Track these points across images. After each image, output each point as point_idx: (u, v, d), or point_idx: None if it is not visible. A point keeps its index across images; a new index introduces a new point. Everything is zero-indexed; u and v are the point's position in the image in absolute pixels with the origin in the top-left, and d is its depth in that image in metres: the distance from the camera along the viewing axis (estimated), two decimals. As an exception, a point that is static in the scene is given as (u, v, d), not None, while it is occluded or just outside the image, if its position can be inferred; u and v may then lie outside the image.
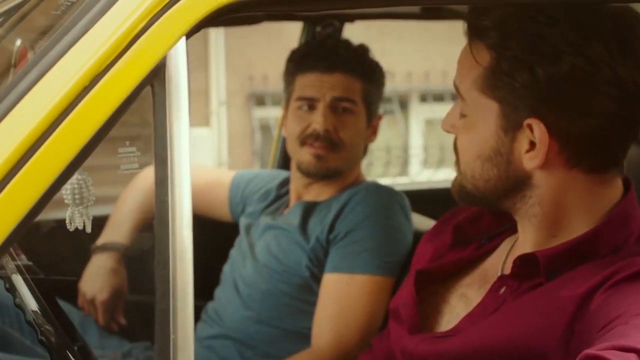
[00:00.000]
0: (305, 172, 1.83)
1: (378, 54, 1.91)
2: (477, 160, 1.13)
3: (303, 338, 1.74)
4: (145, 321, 2.09)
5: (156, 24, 0.89)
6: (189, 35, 0.90)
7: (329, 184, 1.85)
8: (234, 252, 1.93)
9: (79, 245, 2.02)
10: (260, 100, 7.05)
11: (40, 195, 0.88)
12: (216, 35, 6.57)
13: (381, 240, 1.73)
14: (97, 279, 1.85)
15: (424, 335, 1.20)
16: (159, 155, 0.89)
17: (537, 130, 1.08)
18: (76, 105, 0.88)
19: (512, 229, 1.21)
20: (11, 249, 1.13)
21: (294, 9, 1.85)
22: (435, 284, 1.27)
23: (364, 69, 1.82)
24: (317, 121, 1.78)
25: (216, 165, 6.17)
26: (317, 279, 1.76)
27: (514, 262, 1.14)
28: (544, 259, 1.10)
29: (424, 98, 7.00)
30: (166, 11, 0.89)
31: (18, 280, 1.06)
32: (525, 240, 1.16)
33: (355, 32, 2.03)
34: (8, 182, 0.86)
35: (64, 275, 1.99)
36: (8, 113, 0.88)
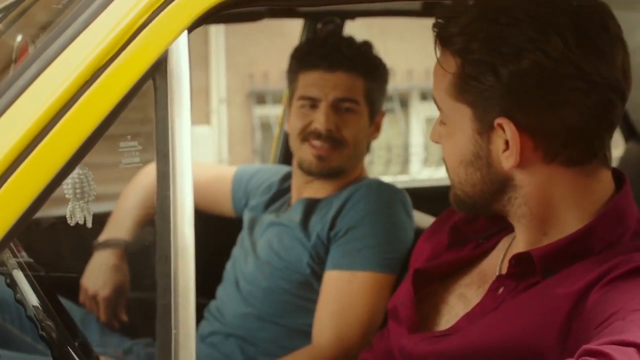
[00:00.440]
0: (307, 171, 1.83)
1: (379, 52, 1.91)
2: (461, 165, 1.15)
3: (304, 335, 1.74)
4: (146, 318, 2.09)
5: (158, 17, 0.89)
6: (190, 29, 0.90)
7: (331, 181, 1.84)
8: (236, 250, 1.93)
9: (79, 243, 2.02)
10: (260, 99, 7.05)
11: (42, 189, 0.88)
12: (216, 33, 6.57)
13: (382, 237, 1.73)
14: (99, 275, 1.85)
15: (423, 335, 1.20)
16: (161, 149, 0.89)
17: (508, 129, 1.09)
18: (78, 99, 0.88)
19: (509, 228, 1.21)
20: (12, 245, 1.13)
21: (295, 4, 1.85)
22: (434, 283, 1.27)
23: (367, 67, 1.82)
24: (319, 120, 1.77)
25: (217, 164, 6.16)
26: (317, 276, 1.76)
27: (510, 261, 1.14)
28: (539, 257, 1.10)
29: (424, 96, 7.00)
30: (167, 5, 0.89)
31: (19, 276, 1.05)
32: (520, 240, 1.17)
33: (356, 31, 2.02)
34: (9, 176, 0.86)
35: (64, 272, 1.99)
36: (9, 107, 0.88)
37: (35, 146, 0.87)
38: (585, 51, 1.06)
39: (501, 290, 1.14)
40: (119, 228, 1.92)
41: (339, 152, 1.79)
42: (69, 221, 0.94)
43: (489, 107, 1.10)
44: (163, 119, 0.89)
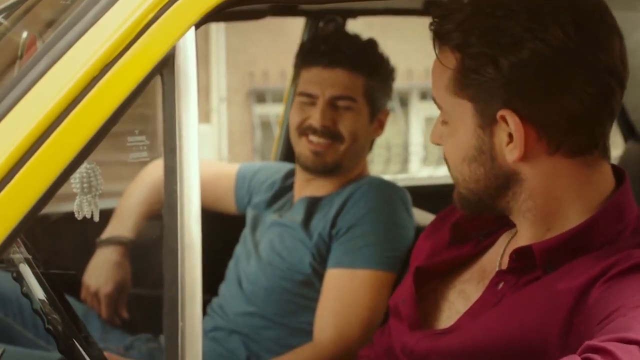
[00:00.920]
0: (304, 166, 1.84)
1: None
2: (464, 162, 1.14)
3: (306, 333, 1.74)
4: (148, 314, 2.10)
5: (165, 14, 0.89)
6: (197, 26, 0.90)
7: (332, 179, 1.85)
8: (238, 248, 1.93)
9: (81, 239, 2.03)
10: (260, 97, 7.05)
11: (50, 184, 0.88)
12: (217, 32, 6.57)
13: (383, 235, 1.73)
14: (101, 272, 1.86)
15: (424, 332, 1.21)
16: (168, 144, 0.89)
17: (511, 121, 1.09)
18: (86, 95, 0.88)
19: (510, 225, 1.21)
20: (19, 239, 1.13)
21: (298, 1, 1.85)
22: (434, 280, 1.27)
23: (368, 65, 1.81)
24: (315, 117, 1.78)
25: (217, 162, 6.17)
26: (319, 275, 1.77)
27: (510, 256, 1.14)
28: (540, 251, 1.10)
29: (424, 96, 7.01)
30: (175, 2, 0.90)
31: (25, 270, 1.06)
32: (523, 235, 1.17)
33: (357, 30, 2.02)
34: (18, 171, 0.87)
35: (65, 268, 1.99)
36: (18, 102, 0.88)
37: (44, 141, 0.87)
38: (584, 39, 1.07)
39: (501, 285, 1.14)
40: (122, 225, 1.92)
41: (334, 148, 1.79)
42: (76, 215, 0.95)
43: (490, 100, 1.10)
44: (170, 114, 0.90)
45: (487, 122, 1.11)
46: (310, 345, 1.70)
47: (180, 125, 0.90)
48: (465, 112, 1.12)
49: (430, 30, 1.15)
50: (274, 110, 6.61)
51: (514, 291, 1.12)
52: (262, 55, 6.77)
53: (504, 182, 1.13)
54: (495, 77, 1.08)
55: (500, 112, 1.09)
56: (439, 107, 1.17)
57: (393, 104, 6.51)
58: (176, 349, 0.90)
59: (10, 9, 1.35)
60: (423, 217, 1.86)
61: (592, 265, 1.05)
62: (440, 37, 1.14)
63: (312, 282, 1.77)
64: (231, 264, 1.92)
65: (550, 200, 1.13)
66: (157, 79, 0.91)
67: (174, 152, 0.90)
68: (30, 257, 1.09)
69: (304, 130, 1.80)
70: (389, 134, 6.33)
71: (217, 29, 6.46)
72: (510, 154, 1.10)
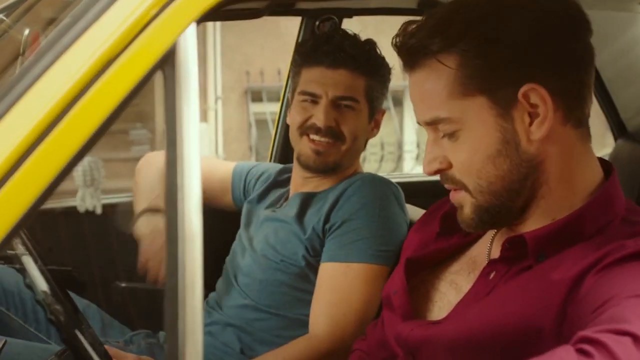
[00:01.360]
0: (305, 165, 1.86)
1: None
2: (488, 162, 1.11)
3: (300, 324, 1.76)
4: (148, 310, 2.11)
5: (167, 10, 0.90)
6: (199, 22, 0.92)
7: (328, 177, 1.87)
8: (235, 244, 1.95)
9: (78, 234, 2.04)
10: (256, 96, 7.06)
11: (53, 177, 0.89)
12: (213, 32, 6.59)
13: (376, 229, 1.75)
14: (157, 237, 1.85)
15: (418, 322, 1.22)
16: (170, 136, 0.91)
17: (536, 94, 1.08)
18: (89, 89, 0.89)
19: None
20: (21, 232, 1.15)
21: None
22: (425, 271, 1.28)
23: (369, 66, 1.83)
24: (318, 117, 1.80)
25: (212, 159, 6.18)
26: (313, 268, 1.79)
27: (503, 244, 1.15)
28: (532, 240, 1.11)
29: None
30: (176, -2, 0.91)
31: (28, 262, 1.08)
32: (528, 226, 1.16)
33: (351, 30, 2.04)
34: (22, 165, 0.87)
35: (66, 263, 2.01)
36: (22, 97, 0.89)
37: (48, 135, 0.88)
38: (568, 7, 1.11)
39: (493, 275, 1.15)
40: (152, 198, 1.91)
41: (336, 147, 1.82)
42: (79, 208, 0.97)
43: (506, 83, 1.08)
44: (171, 108, 0.91)
45: (506, 108, 1.09)
46: (305, 338, 1.71)
47: (182, 119, 0.91)
48: (480, 108, 1.10)
49: (403, 53, 1.13)
50: (270, 109, 6.63)
51: (506, 280, 1.13)
52: (257, 55, 6.78)
53: (527, 171, 1.11)
54: (504, 56, 1.07)
55: (523, 89, 1.08)
56: (441, 124, 1.13)
57: (387, 103, 6.53)
58: (177, 339, 0.91)
59: (11, 8, 1.36)
60: (415, 212, 1.88)
61: (584, 255, 1.06)
62: (420, 51, 1.11)
63: (307, 275, 1.79)
64: (228, 259, 1.94)
65: (563, 179, 1.13)
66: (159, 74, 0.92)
67: (175, 144, 0.91)
68: (33, 250, 1.11)
69: (306, 129, 1.82)
70: (383, 133, 6.35)
71: (213, 28, 6.47)
72: (537, 130, 1.09)
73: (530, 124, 1.10)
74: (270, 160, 2.51)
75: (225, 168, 2.08)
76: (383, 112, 1.91)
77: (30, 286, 1.08)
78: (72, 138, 0.89)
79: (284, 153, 2.48)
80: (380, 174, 2.05)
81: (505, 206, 1.14)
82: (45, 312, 1.08)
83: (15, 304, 1.88)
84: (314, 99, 1.82)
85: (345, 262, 1.74)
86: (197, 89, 0.93)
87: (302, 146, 1.84)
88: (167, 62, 0.91)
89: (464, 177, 1.14)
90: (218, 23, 5.88)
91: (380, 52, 1.87)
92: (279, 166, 2.03)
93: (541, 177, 1.12)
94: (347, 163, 1.87)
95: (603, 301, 0.96)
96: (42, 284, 1.07)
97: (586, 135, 1.15)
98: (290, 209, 1.87)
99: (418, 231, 1.36)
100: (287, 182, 1.99)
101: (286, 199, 1.94)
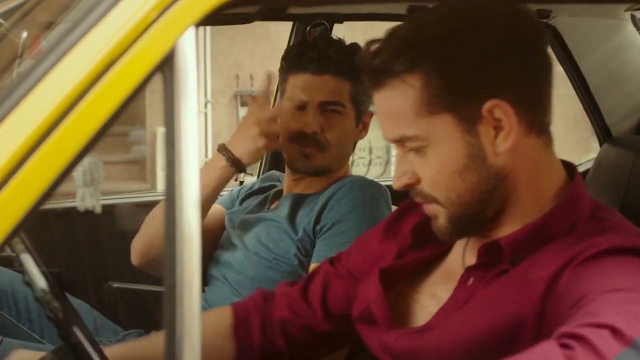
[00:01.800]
0: (293, 169, 1.89)
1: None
2: (456, 176, 1.13)
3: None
4: (140, 310, 2.12)
5: (167, 13, 0.92)
6: (198, 25, 0.94)
7: (318, 179, 1.90)
8: (218, 251, 1.96)
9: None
10: (245, 100, 7.07)
11: (55, 178, 0.90)
12: (203, 36, 6.59)
13: (366, 231, 1.77)
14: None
15: (402, 331, 1.23)
16: (169, 137, 0.93)
17: (499, 109, 1.10)
18: (90, 91, 0.91)
19: None
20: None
21: (294, 3, 1.87)
22: (400, 284, 1.29)
23: (354, 70, 1.84)
24: (306, 123, 1.83)
25: (201, 163, 6.17)
26: (305, 267, 1.81)
27: (479, 250, 1.17)
28: (507, 244, 1.14)
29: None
30: (176, 2, 0.93)
31: (27, 260, 1.09)
32: (503, 232, 1.18)
33: (340, 35, 2.07)
34: (24, 165, 0.88)
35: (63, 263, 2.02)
36: (24, 99, 0.90)
37: (50, 136, 0.89)
38: (521, 22, 1.13)
39: (471, 281, 1.17)
40: None
41: (323, 153, 1.85)
42: (78, 207, 0.98)
43: (470, 100, 1.11)
44: (171, 109, 0.92)
45: (472, 124, 1.11)
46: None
47: (180, 120, 0.92)
48: (446, 125, 1.12)
49: (367, 74, 1.15)
50: (259, 113, 6.62)
51: (485, 285, 1.15)
52: (247, 59, 6.80)
53: (495, 182, 1.14)
54: (467, 73, 1.09)
55: (487, 105, 1.10)
56: (408, 141, 1.15)
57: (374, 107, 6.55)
58: (174, 336, 0.92)
59: (11, 12, 1.38)
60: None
61: (557, 254, 1.08)
62: (385, 72, 1.12)
63: (300, 274, 1.81)
64: (211, 258, 1.95)
65: (531, 186, 1.16)
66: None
67: (173, 145, 0.92)
68: (31, 248, 1.12)
69: (294, 135, 1.85)
70: (371, 137, 6.37)
71: (203, 32, 6.47)
72: (503, 143, 1.12)
73: (496, 137, 1.12)
74: (260, 166, 2.54)
75: (215, 207, 2.04)
76: (371, 115, 1.94)
77: (29, 284, 1.10)
78: (73, 139, 0.90)
79: (275, 159, 2.51)
80: (369, 177, 2.08)
81: (477, 215, 1.16)
82: (44, 310, 1.10)
83: (8, 303, 1.89)
84: (301, 105, 1.85)
85: (335, 264, 1.76)
86: (195, 90, 0.95)
87: (291, 151, 1.87)
88: (167, 64, 0.92)
89: (433, 191, 1.16)
90: (208, 27, 5.90)
91: None
92: (262, 177, 2.07)
93: (510, 186, 1.15)
94: (336, 166, 1.90)
95: (579, 297, 0.99)
96: (41, 282, 1.09)
97: (549, 142, 1.18)
98: (281, 210, 1.89)
99: (384, 242, 1.36)
100: (268, 188, 2.02)
101: (271, 201, 1.96)
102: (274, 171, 2.22)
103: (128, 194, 3.50)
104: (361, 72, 1.16)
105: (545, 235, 1.13)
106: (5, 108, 0.90)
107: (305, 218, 1.84)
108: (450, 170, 1.13)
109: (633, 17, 2.39)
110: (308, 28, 2.36)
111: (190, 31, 0.94)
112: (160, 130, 7.65)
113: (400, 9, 2.19)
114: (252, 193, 2.03)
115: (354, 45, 1.89)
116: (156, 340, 1.38)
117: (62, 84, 0.91)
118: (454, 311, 1.17)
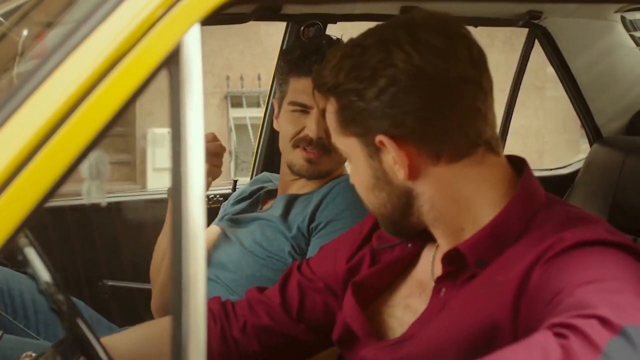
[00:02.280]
0: (297, 174, 1.90)
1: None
2: (368, 190, 1.23)
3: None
4: (134, 307, 2.14)
5: (173, 10, 0.94)
6: (203, 22, 0.96)
7: (315, 180, 1.92)
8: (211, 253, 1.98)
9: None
10: (236, 101, 7.07)
11: (61, 174, 0.91)
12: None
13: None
14: None
15: (380, 344, 1.25)
16: (175, 131, 0.94)
17: (388, 145, 1.16)
18: (97, 87, 0.92)
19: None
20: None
21: (294, 1, 1.88)
22: (374, 301, 1.31)
23: None
24: (311, 128, 1.83)
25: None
26: (300, 265, 1.83)
27: (442, 261, 1.19)
28: (467, 250, 1.16)
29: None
30: None
31: (31, 253, 1.10)
32: (443, 243, 1.23)
33: (332, 34, 2.09)
34: (31, 161, 0.89)
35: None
36: (30, 96, 0.91)
37: (56, 133, 0.90)
38: (424, 54, 1.14)
39: (443, 291, 1.19)
40: None
41: (329, 157, 1.86)
42: (84, 200, 1.00)
43: (368, 130, 1.18)
44: (177, 104, 0.94)
45: (373, 151, 1.19)
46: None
47: (186, 114, 0.94)
48: (354, 147, 1.21)
49: (313, 85, 1.25)
50: (249, 114, 6.65)
51: (457, 292, 1.17)
52: (238, 60, 6.81)
53: (406, 200, 1.20)
54: (365, 108, 1.16)
55: (377, 139, 1.17)
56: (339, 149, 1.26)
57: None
58: (180, 328, 0.94)
59: (13, 12, 1.39)
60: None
61: (525, 251, 1.10)
62: (318, 86, 1.23)
63: (295, 272, 1.83)
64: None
65: (451, 205, 1.19)
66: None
67: (179, 139, 0.94)
68: (35, 242, 1.13)
69: (299, 141, 1.85)
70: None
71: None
72: (398, 173, 1.18)
73: (394, 165, 1.18)
74: (253, 168, 2.55)
75: (213, 228, 2.05)
76: None
77: (34, 277, 1.11)
78: (80, 136, 0.91)
79: (268, 160, 2.52)
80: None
81: (400, 223, 1.24)
82: (48, 303, 1.11)
83: (4, 301, 1.90)
84: (305, 110, 1.85)
85: (329, 262, 1.77)
86: (201, 85, 0.97)
87: (295, 157, 1.88)
88: (173, 60, 0.94)
89: (362, 197, 1.27)
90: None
91: None
92: (252, 180, 2.08)
93: (425, 205, 1.20)
94: (338, 168, 1.92)
95: (554, 293, 1.00)
96: (45, 275, 1.10)
97: (479, 160, 1.17)
98: (275, 210, 1.91)
99: (349, 261, 1.39)
100: (257, 191, 2.03)
101: (264, 203, 1.97)
102: (265, 173, 2.24)
103: (121, 193, 3.50)
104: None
105: (505, 233, 1.15)
106: (12, 105, 0.91)
107: (299, 216, 1.85)
108: (362, 185, 1.24)
109: (623, 19, 2.43)
110: (302, 28, 2.38)
111: (196, 28, 0.95)
112: (151, 132, 7.65)
113: (394, 9, 2.21)
114: (243, 199, 2.04)
115: None
116: (154, 327, 1.41)
117: (68, 82, 0.92)
118: (429, 321, 1.19)
